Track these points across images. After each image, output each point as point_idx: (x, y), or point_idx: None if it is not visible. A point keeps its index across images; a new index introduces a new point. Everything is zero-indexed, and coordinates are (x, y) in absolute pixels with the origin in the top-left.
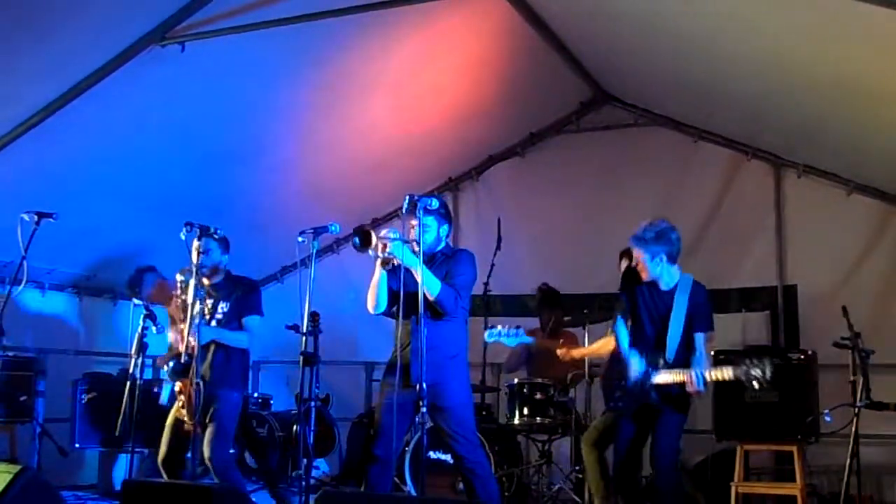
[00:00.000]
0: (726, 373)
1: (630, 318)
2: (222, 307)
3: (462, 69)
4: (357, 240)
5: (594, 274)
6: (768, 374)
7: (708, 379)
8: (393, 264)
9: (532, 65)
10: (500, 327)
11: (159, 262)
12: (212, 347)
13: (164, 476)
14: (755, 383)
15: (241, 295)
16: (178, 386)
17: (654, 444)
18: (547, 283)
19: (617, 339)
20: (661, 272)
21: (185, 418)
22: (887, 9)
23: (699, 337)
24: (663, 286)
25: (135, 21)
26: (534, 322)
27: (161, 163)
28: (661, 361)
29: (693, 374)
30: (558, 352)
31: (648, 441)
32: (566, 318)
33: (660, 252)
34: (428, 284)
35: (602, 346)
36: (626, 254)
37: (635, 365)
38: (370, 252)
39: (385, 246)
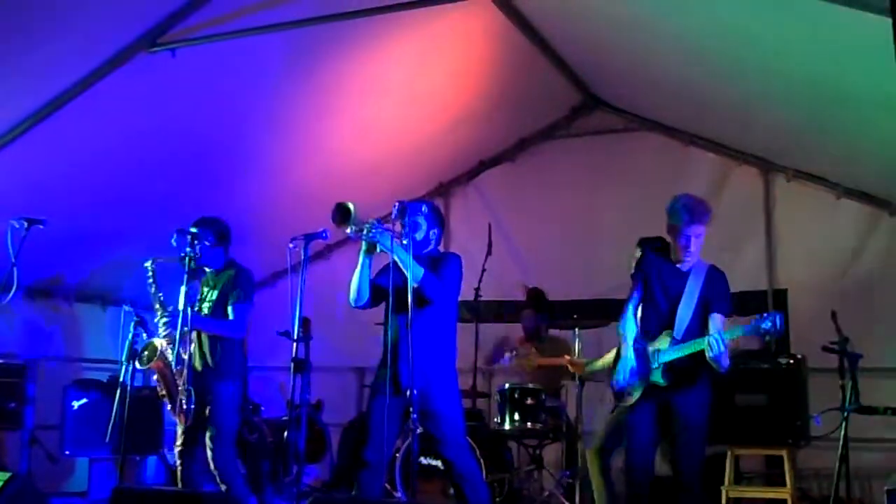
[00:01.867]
0: (736, 331)
1: (642, 299)
2: (211, 295)
3: (453, 75)
4: (336, 215)
5: (585, 279)
6: (779, 324)
7: (727, 340)
8: (375, 250)
9: (523, 70)
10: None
11: None
12: (203, 338)
13: (179, 465)
14: (767, 337)
15: (227, 281)
16: (155, 375)
17: (674, 441)
18: (535, 286)
19: (623, 329)
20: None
21: (169, 406)
22: (871, 14)
23: (716, 318)
24: (683, 266)
25: (125, 27)
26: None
27: (151, 169)
28: (669, 340)
29: (710, 338)
30: (566, 359)
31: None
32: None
33: (704, 230)
34: (412, 271)
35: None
36: (646, 242)
37: (641, 349)
38: (348, 230)
39: (367, 230)
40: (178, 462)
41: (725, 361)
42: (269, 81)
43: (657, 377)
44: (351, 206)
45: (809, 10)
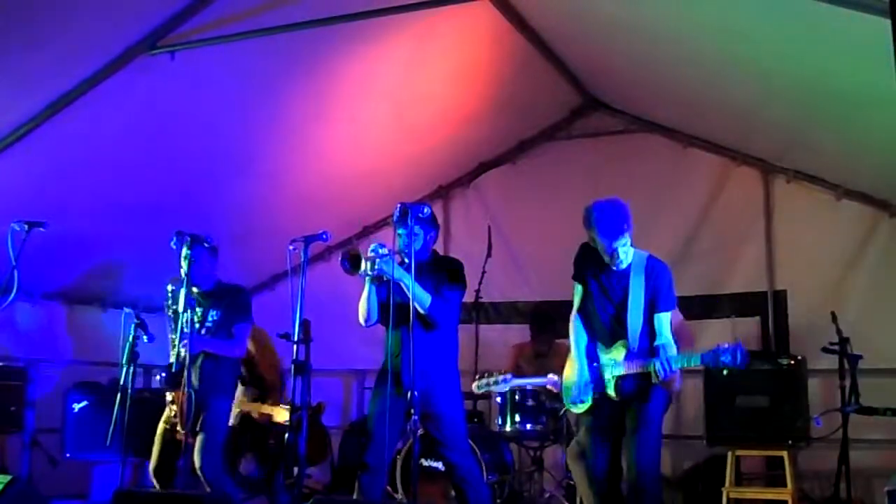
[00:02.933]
0: (693, 359)
1: (585, 302)
2: (212, 315)
3: (452, 77)
4: (346, 264)
5: None
6: (740, 358)
7: (674, 366)
8: (383, 278)
9: (522, 72)
10: (486, 378)
11: (149, 271)
12: (201, 356)
13: (156, 485)
14: (724, 371)
15: (230, 303)
16: (170, 396)
17: (628, 438)
18: (544, 302)
19: (575, 339)
20: (627, 253)
21: (179, 427)
22: (870, 15)
23: (661, 318)
24: (619, 266)
25: (124, 30)
26: (524, 331)
27: (151, 172)
28: (624, 352)
29: (656, 363)
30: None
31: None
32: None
33: (629, 234)
34: (419, 297)
35: None
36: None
37: (585, 364)
38: (360, 273)
39: (374, 264)
40: (156, 482)
41: (676, 385)
42: (267, 84)
43: (610, 389)
44: (361, 254)
45: (808, 11)
